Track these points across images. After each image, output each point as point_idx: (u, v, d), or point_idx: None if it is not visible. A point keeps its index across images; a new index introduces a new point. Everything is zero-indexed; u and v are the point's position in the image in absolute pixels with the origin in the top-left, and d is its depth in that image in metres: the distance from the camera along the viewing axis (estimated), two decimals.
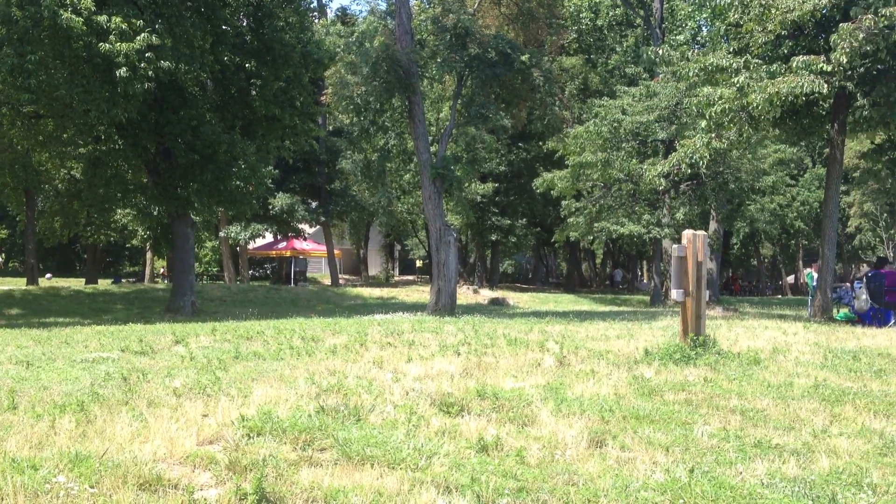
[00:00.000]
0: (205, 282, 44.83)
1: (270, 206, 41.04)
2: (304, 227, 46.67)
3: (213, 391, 6.61)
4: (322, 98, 26.77)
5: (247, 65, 23.34)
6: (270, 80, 23.31)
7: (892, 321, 16.26)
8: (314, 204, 44.61)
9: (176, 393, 6.56)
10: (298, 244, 46.53)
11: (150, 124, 21.99)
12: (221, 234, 42.49)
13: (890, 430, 5.97)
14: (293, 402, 6.12)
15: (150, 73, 19.04)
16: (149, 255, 47.32)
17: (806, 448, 5.41)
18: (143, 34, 18.80)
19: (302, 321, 14.91)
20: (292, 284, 43.92)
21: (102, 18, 18.60)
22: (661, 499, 4.25)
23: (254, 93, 23.47)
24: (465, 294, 37.57)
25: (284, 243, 46.83)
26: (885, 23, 14.84)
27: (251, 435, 5.14)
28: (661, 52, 21.72)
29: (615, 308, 30.29)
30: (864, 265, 57.51)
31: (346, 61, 23.32)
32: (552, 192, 35.26)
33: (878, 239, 57.82)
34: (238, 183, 23.78)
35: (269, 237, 47.68)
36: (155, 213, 26.27)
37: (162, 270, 48.69)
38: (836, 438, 5.68)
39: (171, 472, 4.47)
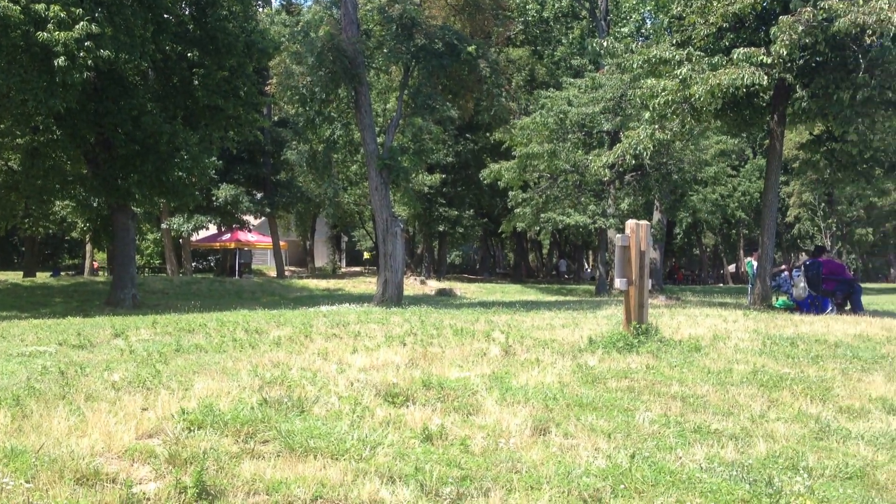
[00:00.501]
0: (146, 274, 44.12)
1: (214, 198, 40.47)
2: (249, 218, 46.15)
3: (153, 384, 6.50)
4: (267, 88, 26.43)
5: (189, 54, 22.99)
6: (213, 70, 23.00)
7: (830, 308, 16.60)
8: (259, 195, 44.13)
9: (115, 387, 6.44)
10: (243, 236, 45.99)
11: (89, 114, 21.55)
12: (163, 225, 41.80)
13: (826, 415, 6.12)
14: (235, 394, 6.05)
15: (89, 62, 18.66)
16: (88, 247, 46.33)
17: (744, 433, 5.52)
18: (82, 23, 18.40)
19: (246, 313, 14.75)
20: (237, 276, 43.43)
21: (41, 7, 18.17)
22: (603, 484, 4.30)
23: (196, 82, 23.14)
24: (413, 285, 37.56)
25: (229, 235, 46.26)
26: (824, 15, 15.11)
27: (192, 428, 5.08)
28: (605, 44, 21.91)
29: (561, 298, 30.53)
30: (803, 254, 58.79)
31: (290, 51, 23.02)
32: (499, 182, 35.41)
33: (816, 228, 59.15)
34: (180, 174, 23.42)
35: (212, 229, 47.08)
36: (95, 204, 25.77)
37: (95, 264, 47.57)
38: (773, 423, 5.81)
39: (109, 466, 4.40)
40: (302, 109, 23.51)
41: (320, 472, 4.35)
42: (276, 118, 43.67)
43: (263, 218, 47.09)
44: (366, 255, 67.66)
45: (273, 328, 11.08)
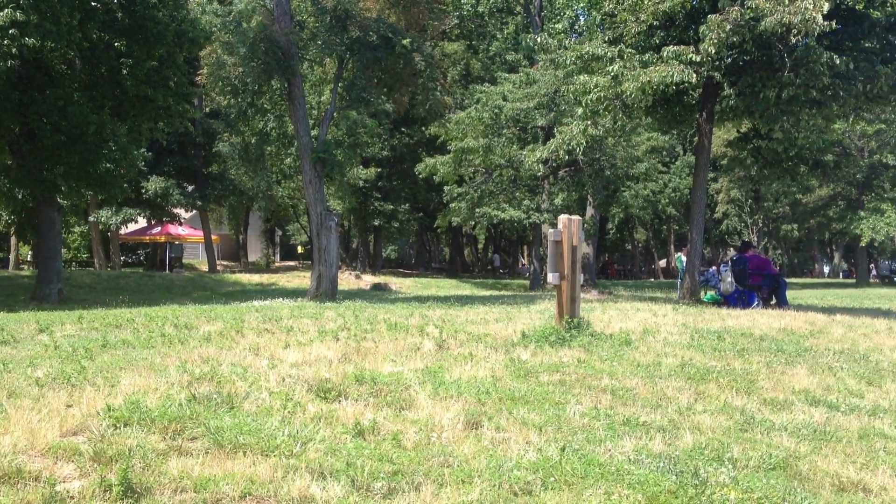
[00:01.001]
0: (73, 268, 43.06)
1: (143, 190, 39.60)
2: (180, 211, 45.35)
3: (78, 381, 6.34)
4: (197, 78, 25.94)
5: (117, 43, 22.43)
6: (142, 60, 22.49)
7: (756, 303, 17.00)
8: (190, 188, 43.35)
9: (38, 383, 6.27)
10: (173, 229, 45.19)
11: (13, 104, 20.92)
12: (91, 218, 40.79)
13: (750, 407, 6.27)
14: (163, 390, 5.93)
15: (13, 50, 18.15)
16: (13, 240, 45.01)
17: (671, 425, 5.62)
18: (6, 10, 17.88)
19: (175, 308, 14.48)
20: (167, 271, 42.67)
21: None
22: (533, 477, 4.33)
23: (125, 72, 22.60)
24: (348, 280, 37.38)
25: (159, 228, 45.40)
26: (751, 14, 15.42)
27: (118, 425, 4.96)
28: (539, 39, 22.10)
29: (495, 292, 30.72)
30: (731, 249, 60.25)
31: (222, 41, 22.64)
32: (434, 177, 35.41)
33: (743, 224, 60.65)
34: (108, 165, 22.91)
35: (142, 222, 46.11)
36: (19, 196, 25.01)
37: (19, 258, 46.20)
38: (699, 415, 5.93)
39: (32, 464, 4.29)
40: (234, 101, 23.15)
41: (249, 469, 4.30)
42: (207, 109, 42.94)
43: (195, 211, 46.33)
44: (300, 250, 67.11)
45: (203, 323, 10.90)
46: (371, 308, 14.16)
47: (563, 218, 9.46)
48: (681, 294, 20.50)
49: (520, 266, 62.35)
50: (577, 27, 46.41)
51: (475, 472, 4.40)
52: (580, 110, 19.22)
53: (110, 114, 22.83)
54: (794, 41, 15.56)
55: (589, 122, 19.36)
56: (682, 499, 4.17)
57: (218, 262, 47.98)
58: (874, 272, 61.87)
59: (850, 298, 26.54)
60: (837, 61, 15.51)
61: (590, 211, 35.17)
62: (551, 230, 9.44)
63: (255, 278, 38.98)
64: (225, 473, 4.21)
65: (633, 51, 17.72)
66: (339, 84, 23.16)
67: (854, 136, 44.47)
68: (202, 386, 6.14)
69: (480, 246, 72.27)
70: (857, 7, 16.22)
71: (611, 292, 28.69)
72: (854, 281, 52.34)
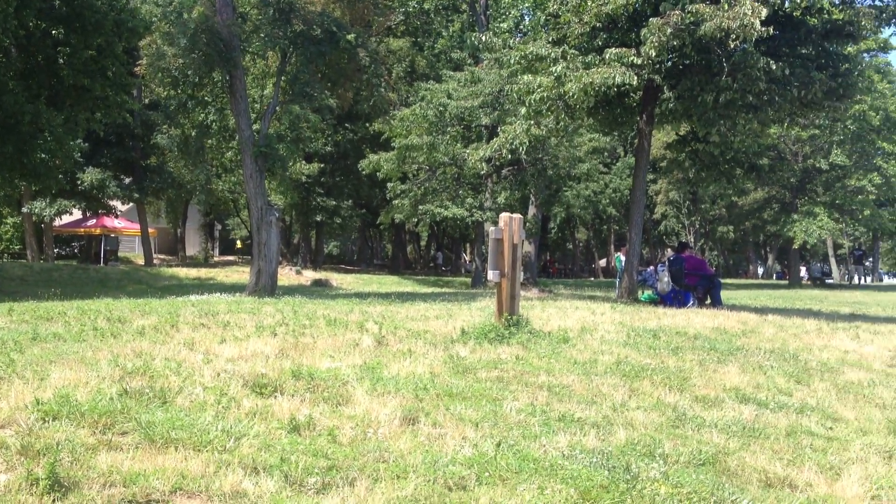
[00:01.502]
0: (5, 260, 41.95)
1: (79, 181, 38.73)
2: (116, 203, 44.47)
3: (6, 374, 6.16)
4: (136, 69, 25.43)
5: (54, 31, 21.91)
6: (80, 49, 22.02)
7: (691, 302, 17.30)
8: (127, 180, 42.52)
9: None
10: (109, 222, 44.29)
11: None
12: (24, 209, 39.79)
13: (682, 404, 6.38)
14: (94, 385, 5.81)
15: None
16: None
17: (605, 421, 5.69)
18: None
19: (109, 302, 14.16)
20: (102, 264, 41.78)
21: None
22: (468, 472, 4.35)
23: (61, 61, 22.10)
24: (288, 275, 37.08)
25: (94, 220, 44.47)
26: (691, 19, 15.63)
27: (46, 419, 4.85)
28: (484, 38, 22.11)
29: (437, 289, 30.77)
30: (668, 249, 61.28)
31: (162, 31, 22.22)
32: (378, 173, 35.28)
33: (680, 225, 61.74)
34: (43, 155, 22.37)
35: (77, 214, 45.12)
36: None
37: None
38: (633, 412, 6.02)
39: None
40: (174, 92, 22.77)
41: (181, 464, 4.24)
42: (146, 100, 42.17)
43: (131, 204, 45.50)
44: (239, 245, 66.37)
45: (137, 317, 10.69)
46: (311, 304, 14.06)
47: (504, 216, 9.50)
48: (619, 293, 20.74)
49: (464, 262, 62.54)
50: (522, 27, 46.68)
51: (410, 467, 4.40)
52: (523, 110, 19.30)
53: (46, 103, 22.31)
54: (732, 46, 15.82)
55: (532, 122, 19.46)
56: (614, 493, 4.22)
57: (155, 255, 47.21)
58: (806, 274, 63.44)
59: (782, 299, 27.16)
60: (774, 67, 15.82)
61: (532, 210, 35.36)
62: (492, 228, 9.48)
63: (193, 273, 38.44)
64: (156, 468, 4.14)
65: (577, 52, 17.85)
66: (282, 78, 22.94)
67: (789, 140, 45.49)
68: (134, 380, 6.02)
69: (423, 243, 72.32)
70: (794, 14, 16.55)
71: (551, 291, 28.95)
72: (787, 282, 53.57)
